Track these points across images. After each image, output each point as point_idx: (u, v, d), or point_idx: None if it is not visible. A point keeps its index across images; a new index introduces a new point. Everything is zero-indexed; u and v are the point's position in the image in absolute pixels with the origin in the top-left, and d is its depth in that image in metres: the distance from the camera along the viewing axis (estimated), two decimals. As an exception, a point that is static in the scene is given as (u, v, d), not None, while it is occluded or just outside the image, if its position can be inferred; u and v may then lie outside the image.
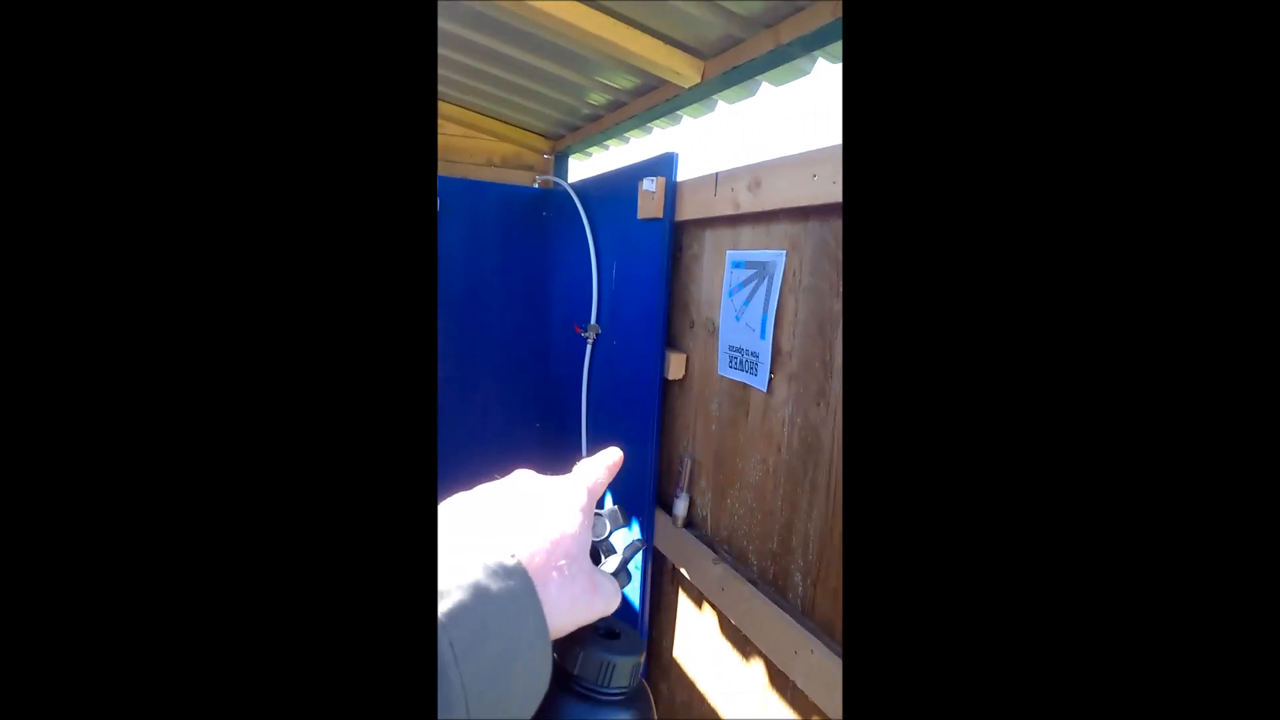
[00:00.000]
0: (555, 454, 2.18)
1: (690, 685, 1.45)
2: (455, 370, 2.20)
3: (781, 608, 1.11)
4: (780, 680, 1.16)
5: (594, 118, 1.99)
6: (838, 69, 1.19)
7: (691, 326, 1.44)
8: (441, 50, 1.66)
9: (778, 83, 1.34)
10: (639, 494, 1.53)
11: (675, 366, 1.45)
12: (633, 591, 1.57)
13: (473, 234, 2.12)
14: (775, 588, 1.17)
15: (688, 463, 1.44)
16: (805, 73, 1.27)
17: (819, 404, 1.05)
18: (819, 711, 1.06)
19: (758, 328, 1.19)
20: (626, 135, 2.01)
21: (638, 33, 1.30)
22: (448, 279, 2.11)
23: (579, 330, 1.81)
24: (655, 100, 1.61)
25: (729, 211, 1.21)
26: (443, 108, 2.17)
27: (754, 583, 1.19)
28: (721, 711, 1.33)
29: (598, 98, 1.82)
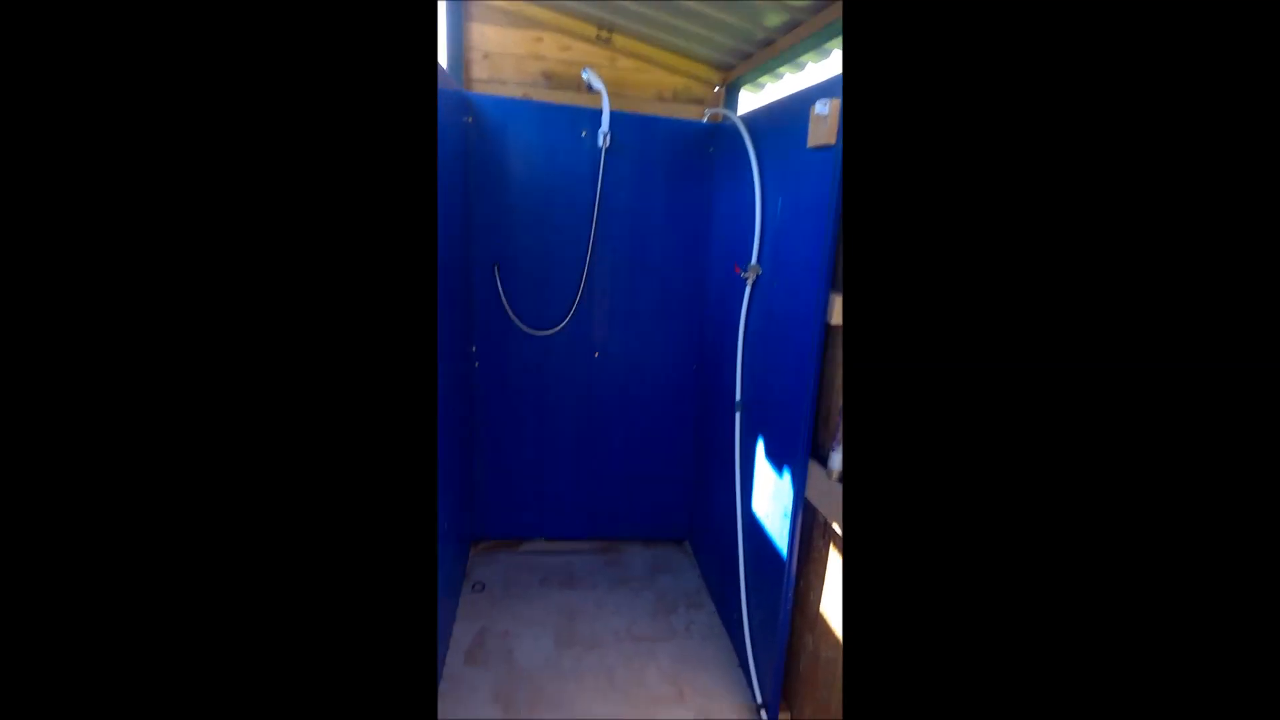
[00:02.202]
0: (711, 398, 2.18)
1: (836, 642, 1.41)
2: (621, 305, 2.26)
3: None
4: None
5: (768, 42, 1.85)
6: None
7: (862, 267, 1.31)
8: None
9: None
10: (791, 444, 1.47)
11: (838, 310, 1.34)
12: (782, 540, 1.54)
13: (639, 170, 2.12)
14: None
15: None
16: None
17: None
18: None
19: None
20: (801, 60, 1.84)
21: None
22: (614, 214, 2.14)
23: (738, 271, 1.75)
24: (834, 15, 1.44)
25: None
26: (616, 40, 2.16)
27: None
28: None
29: (774, 18, 1.67)
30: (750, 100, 2.27)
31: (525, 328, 2.23)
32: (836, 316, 1.34)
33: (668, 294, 2.27)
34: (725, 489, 1.94)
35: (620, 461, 2.44)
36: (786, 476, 1.51)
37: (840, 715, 1.37)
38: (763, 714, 1.65)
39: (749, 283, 1.71)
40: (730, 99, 2.26)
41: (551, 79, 2.22)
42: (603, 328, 2.29)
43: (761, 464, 1.69)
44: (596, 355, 2.31)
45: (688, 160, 2.13)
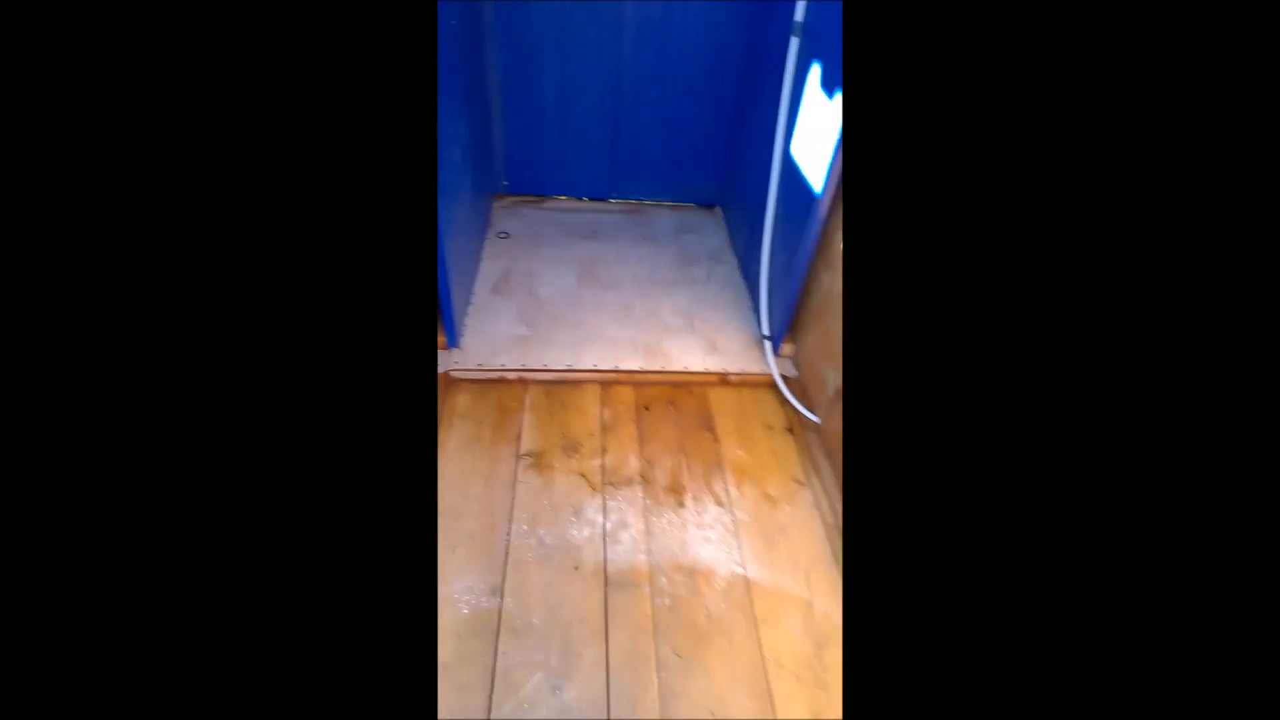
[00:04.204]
0: (764, 29, 1.87)
1: (853, 275, 1.41)
2: None
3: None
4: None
5: None
6: None
7: None
8: None
9: None
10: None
11: None
12: (818, 178, 1.44)
13: None
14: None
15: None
16: None
17: None
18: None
19: None
20: None
21: None
22: None
23: None
24: None
25: None
26: None
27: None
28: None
29: None
30: None
31: (552, -76, 1.83)
32: None
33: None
34: (762, 133, 1.78)
35: (653, 119, 2.24)
36: (838, 97, 1.34)
37: (841, 351, 1.44)
38: (767, 345, 1.77)
39: None
40: None
41: None
42: (645, -67, 1.87)
43: (813, 95, 1.50)
44: (635, -25, 1.94)
45: None
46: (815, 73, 1.48)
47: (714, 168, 2.38)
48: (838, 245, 1.49)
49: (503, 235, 2.27)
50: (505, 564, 1.27)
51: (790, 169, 1.63)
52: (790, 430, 1.62)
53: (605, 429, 1.59)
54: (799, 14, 1.54)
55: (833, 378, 1.51)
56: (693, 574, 1.28)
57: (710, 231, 2.36)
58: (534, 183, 2.42)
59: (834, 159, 1.37)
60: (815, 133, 1.47)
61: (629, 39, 2.06)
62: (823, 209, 1.47)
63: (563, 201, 2.46)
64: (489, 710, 1.07)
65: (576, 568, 1.28)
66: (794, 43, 1.57)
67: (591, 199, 2.47)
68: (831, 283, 1.53)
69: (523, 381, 1.69)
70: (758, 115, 1.93)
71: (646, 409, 1.65)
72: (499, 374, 1.69)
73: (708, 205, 2.49)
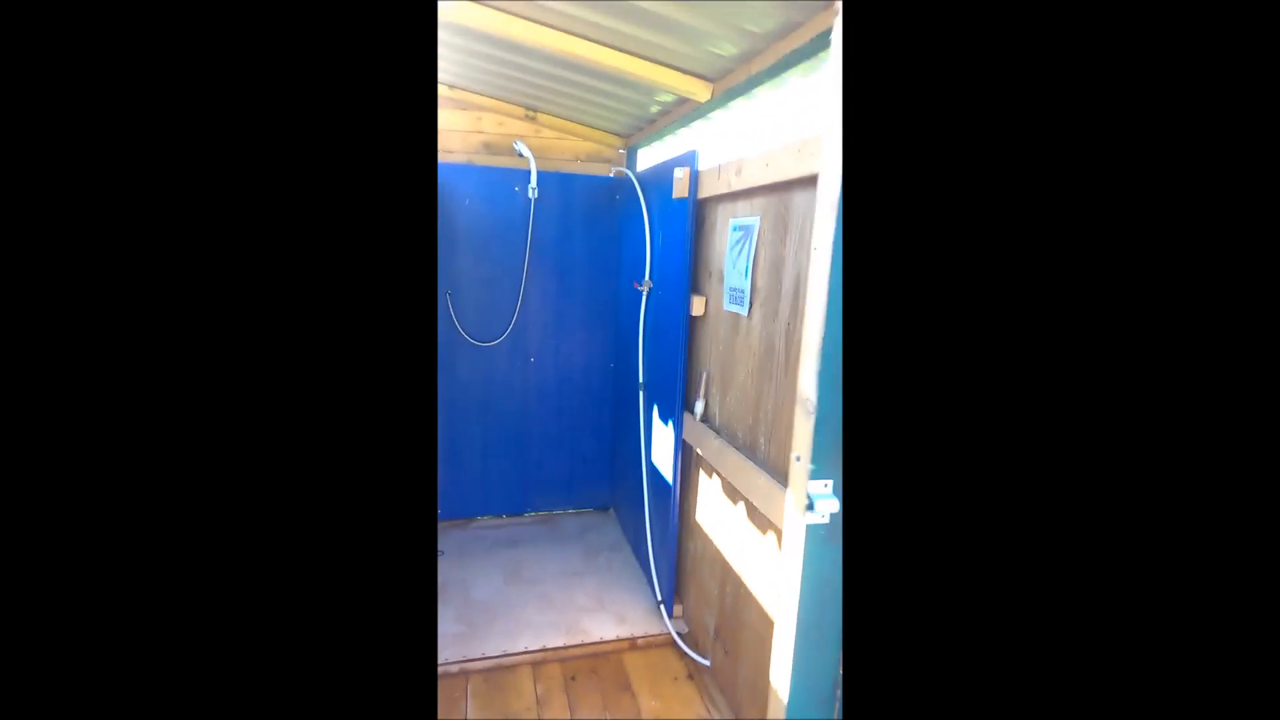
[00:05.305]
0: (623, 385, 2.78)
1: (706, 538, 2.00)
2: (551, 320, 2.85)
3: (753, 461, 1.63)
4: (752, 511, 1.69)
5: (652, 120, 2.54)
6: (807, 81, 1.67)
7: (709, 276, 1.96)
8: (539, 78, 2.28)
9: (774, 87, 1.82)
10: (671, 402, 2.09)
11: (697, 305, 1.98)
12: (669, 473, 2.14)
13: (563, 215, 2.76)
14: (750, 450, 1.69)
15: (704, 375, 1.98)
16: (785, 84, 1.75)
17: (774, 320, 1.55)
18: (771, 524, 1.58)
19: (744, 272, 1.71)
20: (678, 130, 2.54)
21: (665, 68, 1.84)
22: (543, 248, 2.76)
23: (637, 285, 2.38)
24: (688, 109, 2.14)
25: (728, 190, 1.73)
26: (540, 117, 2.81)
27: (739, 449, 1.72)
28: (722, 548, 1.87)
29: (655, 107, 2.37)
30: (647, 157, 2.97)
31: (472, 340, 2.78)
32: (695, 309, 1.98)
33: (588, 308, 2.89)
34: (634, 450, 2.53)
35: (554, 447, 2.99)
36: (670, 425, 2.12)
37: (712, 597, 1.96)
38: (662, 608, 2.22)
39: (644, 294, 2.35)
40: (630, 158, 2.94)
41: (490, 148, 2.85)
42: (536, 338, 2.87)
43: (656, 423, 2.29)
44: (532, 360, 2.88)
45: (599, 206, 2.79)
46: (655, 410, 2.30)
47: (603, 479, 3.08)
48: (693, 518, 2.11)
49: (439, 553, 2.70)
50: (462, 840, 1.45)
51: (654, 472, 2.34)
52: (690, 677, 1.99)
53: (540, 702, 1.88)
54: (641, 376, 2.44)
55: (710, 620, 1.98)
56: (627, 807, 1.52)
57: (607, 529, 2.94)
58: (462, 508, 2.96)
59: (675, 459, 2.09)
60: (663, 446, 2.22)
61: (532, 398, 2.91)
62: (676, 496, 2.13)
63: (486, 520, 2.98)
64: None
65: (527, 826, 1.48)
66: (641, 393, 2.44)
67: (509, 515, 3.03)
68: (694, 547, 2.11)
69: (464, 673, 1.98)
70: (627, 437, 2.71)
71: (573, 679, 1.97)
72: (441, 668, 1.98)
73: (603, 508, 3.12)
